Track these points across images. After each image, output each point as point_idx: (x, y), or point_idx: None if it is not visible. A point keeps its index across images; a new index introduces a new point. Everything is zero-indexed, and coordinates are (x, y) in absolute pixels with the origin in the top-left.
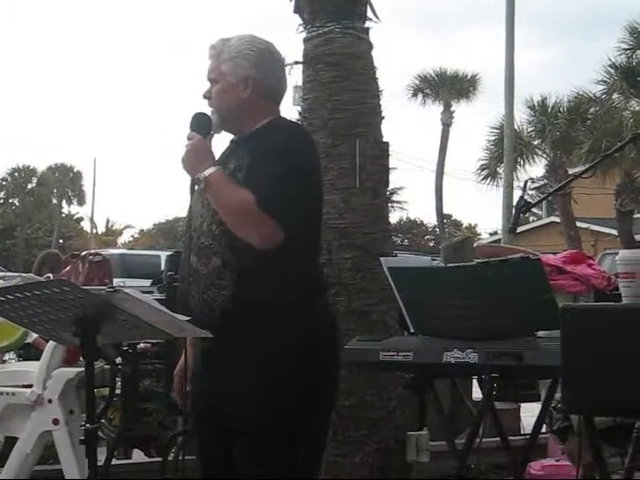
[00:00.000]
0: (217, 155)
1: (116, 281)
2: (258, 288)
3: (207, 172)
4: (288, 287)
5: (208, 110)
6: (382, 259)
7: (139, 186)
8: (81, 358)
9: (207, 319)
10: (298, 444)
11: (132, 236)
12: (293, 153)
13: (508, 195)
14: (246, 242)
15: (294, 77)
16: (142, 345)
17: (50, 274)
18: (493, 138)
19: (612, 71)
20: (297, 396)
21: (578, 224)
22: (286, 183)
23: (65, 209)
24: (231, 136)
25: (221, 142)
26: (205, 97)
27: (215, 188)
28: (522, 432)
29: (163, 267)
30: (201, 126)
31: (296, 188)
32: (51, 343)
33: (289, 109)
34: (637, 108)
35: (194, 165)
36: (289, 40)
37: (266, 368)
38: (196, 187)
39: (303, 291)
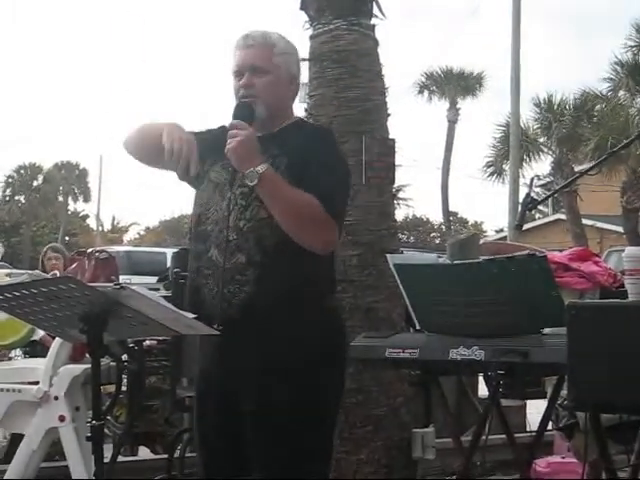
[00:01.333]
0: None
1: (122, 278)
2: (279, 286)
3: (261, 168)
4: (308, 286)
5: (231, 100)
6: (388, 256)
7: (145, 183)
8: (87, 355)
9: (224, 313)
10: (312, 440)
11: (138, 233)
12: (341, 158)
13: (514, 192)
14: (274, 241)
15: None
16: (148, 342)
17: (56, 263)
18: (499, 135)
19: (618, 68)
20: (311, 394)
21: (584, 221)
22: (343, 189)
23: (71, 206)
24: None
25: None
26: (245, 86)
27: (273, 187)
28: (528, 429)
29: (169, 264)
30: (244, 116)
31: (348, 193)
32: (57, 340)
33: (295, 106)
34: None
35: (247, 157)
36: (295, 37)
37: (281, 365)
38: (249, 182)
39: (321, 290)
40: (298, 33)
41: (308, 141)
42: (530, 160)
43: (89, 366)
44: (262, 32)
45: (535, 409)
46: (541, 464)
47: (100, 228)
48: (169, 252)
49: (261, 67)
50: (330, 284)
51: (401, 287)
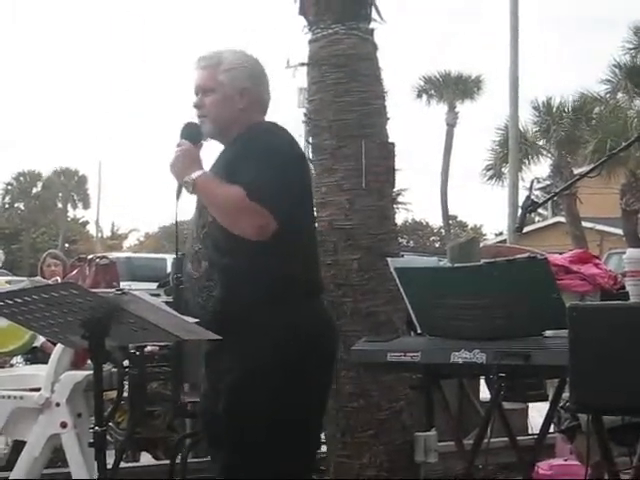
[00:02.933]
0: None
1: (122, 284)
2: (244, 288)
3: (194, 175)
4: (275, 286)
5: (195, 119)
6: (389, 260)
7: (144, 189)
8: (89, 361)
9: (202, 321)
10: (284, 444)
11: (138, 239)
12: (273, 149)
13: (513, 195)
14: (230, 243)
15: (299, 79)
16: (149, 348)
17: (55, 269)
18: (498, 138)
19: (617, 71)
20: (288, 397)
21: (583, 224)
22: (272, 174)
23: (70, 213)
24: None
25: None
26: (196, 106)
27: (203, 188)
28: (530, 432)
29: (169, 270)
30: (191, 135)
31: (282, 178)
32: (59, 346)
33: (294, 111)
34: None
35: (183, 169)
36: (294, 42)
37: (251, 369)
38: (187, 192)
39: (291, 290)
40: (297, 38)
41: (244, 143)
42: (529, 163)
43: (91, 372)
44: (213, 52)
45: (537, 412)
46: (543, 467)
47: (100, 234)
48: (169, 258)
49: (207, 87)
50: (306, 286)
51: (402, 291)
